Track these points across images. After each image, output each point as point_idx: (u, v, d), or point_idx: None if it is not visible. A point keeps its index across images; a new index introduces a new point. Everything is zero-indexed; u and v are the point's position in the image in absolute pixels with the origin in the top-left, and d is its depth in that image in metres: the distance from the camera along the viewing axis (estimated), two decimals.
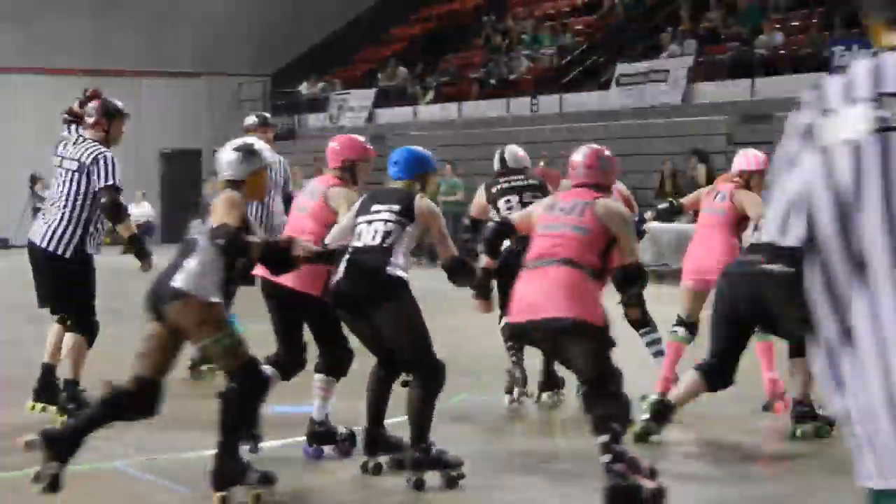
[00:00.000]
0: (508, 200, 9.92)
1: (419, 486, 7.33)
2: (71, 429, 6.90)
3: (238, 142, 7.26)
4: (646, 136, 24.11)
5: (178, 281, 6.78)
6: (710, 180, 21.50)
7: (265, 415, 9.63)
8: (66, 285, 9.09)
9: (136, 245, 9.43)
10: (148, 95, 34.63)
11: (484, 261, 8.29)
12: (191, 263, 6.83)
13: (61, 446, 6.72)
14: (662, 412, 8.45)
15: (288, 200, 10.74)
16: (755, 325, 8.35)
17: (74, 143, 9.18)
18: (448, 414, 9.38)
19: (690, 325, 9.45)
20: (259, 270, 7.79)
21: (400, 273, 7.40)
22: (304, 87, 34.05)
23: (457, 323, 14.98)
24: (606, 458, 6.63)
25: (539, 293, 6.95)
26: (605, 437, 6.66)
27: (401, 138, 29.08)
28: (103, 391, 7.14)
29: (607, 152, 7.87)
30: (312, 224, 8.11)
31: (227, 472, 6.89)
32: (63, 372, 9.27)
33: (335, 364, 8.18)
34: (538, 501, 7.37)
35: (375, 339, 7.54)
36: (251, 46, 36.07)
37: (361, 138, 8.88)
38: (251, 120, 12.47)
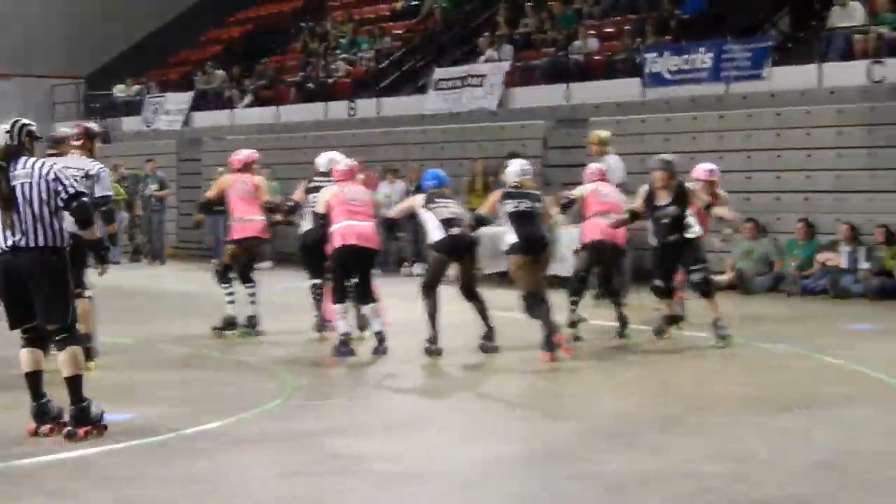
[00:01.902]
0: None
1: None
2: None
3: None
4: (463, 141, 24.26)
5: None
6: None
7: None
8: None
9: (102, 249, 10.15)
10: None
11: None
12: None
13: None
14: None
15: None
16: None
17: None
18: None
19: None
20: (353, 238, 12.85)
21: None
22: (118, 90, 33.51)
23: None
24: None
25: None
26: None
27: (218, 142, 28.91)
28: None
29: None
30: (367, 207, 13.15)
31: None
32: None
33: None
34: None
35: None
36: (64, 47, 35.39)
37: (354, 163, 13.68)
38: (65, 132, 12.44)
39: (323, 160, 14.42)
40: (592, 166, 14.87)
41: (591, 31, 24.45)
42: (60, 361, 8.88)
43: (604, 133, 16.79)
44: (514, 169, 12.90)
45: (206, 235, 25.73)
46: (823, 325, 15.44)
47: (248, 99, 29.97)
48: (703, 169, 14.70)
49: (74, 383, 8.84)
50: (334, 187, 13.35)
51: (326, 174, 14.01)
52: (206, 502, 7.37)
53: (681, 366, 12.45)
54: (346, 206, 13.04)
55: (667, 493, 7.38)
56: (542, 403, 10.29)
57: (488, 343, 12.86)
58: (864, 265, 17.78)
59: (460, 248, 12.73)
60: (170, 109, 31.02)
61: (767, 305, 16.78)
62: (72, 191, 8.97)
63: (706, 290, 13.43)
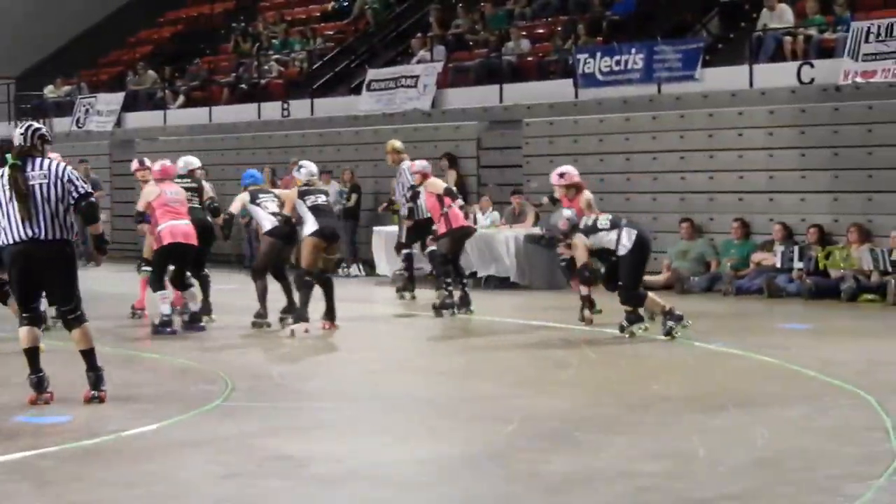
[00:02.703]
0: (189, 199, 15.47)
1: None
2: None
3: None
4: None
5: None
6: (459, 184, 21.86)
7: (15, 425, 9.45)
8: None
9: (103, 243, 10.81)
10: None
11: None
12: None
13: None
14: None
15: None
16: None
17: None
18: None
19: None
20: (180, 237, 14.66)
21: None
22: (49, 91, 33.24)
23: None
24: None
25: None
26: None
27: (150, 143, 28.73)
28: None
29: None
30: (184, 206, 15.02)
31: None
32: None
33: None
34: None
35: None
36: None
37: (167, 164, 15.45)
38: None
39: (181, 163, 16.05)
40: (419, 164, 17.21)
41: (523, 33, 24.53)
42: (75, 337, 10.23)
43: (398, 143, 18.79)
44: (307, 170, 15.22)
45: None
46: (759, 324, 15.58)
47: (180, 100, 29.81)
48: (554, 174, 15.64)
49: (90, 354, 10.25)
50: (155, 188, 15.07)
51: (184, 177, 15.84)
52: None
53: (617, 365, 12.52)
54: (167, 207, 14.82)
55: (607, 493, 7.43)
56: (482, 404, 10.31)
57: (284, 315, 15.19)
58: (798, 265, 17.94)
59: (289, 235, 15.24)
60: (101, 110, 30.79)
61: (703, 305, 16.88)
62: (82, 191, 10.12)
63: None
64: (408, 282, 18.55)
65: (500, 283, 19.91)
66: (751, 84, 19.92)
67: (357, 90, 25.98)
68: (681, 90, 20.60)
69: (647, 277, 18.92)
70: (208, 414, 9.86)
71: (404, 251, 18.46)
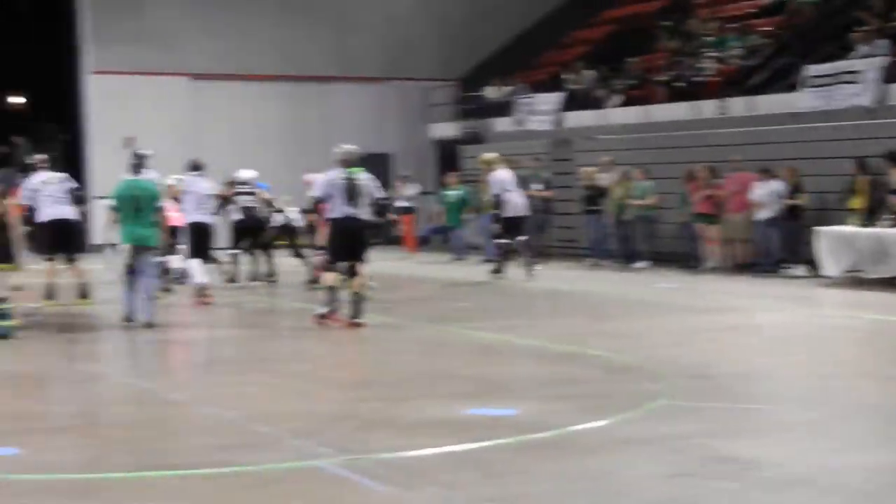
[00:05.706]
0: None
1: None
2: None
3: None
4: (836, 139, 23.57)
5: None
6: None
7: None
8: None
9: None
10: (336, 100, 35.03)
11: None
12: None
13: None
14: None
15: None
16: None
17: None
18: None
19: None
20: None
21: None
22: (489, 91, 34.08)
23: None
24: None
25: None
26: None
27: (588, 141, 29.04)
28: None
29: None
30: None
31: None
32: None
33: None
34: None
35: None
36: (437, 51, 36.23)
37: None
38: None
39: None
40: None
41: None
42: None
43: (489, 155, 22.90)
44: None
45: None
46: None
47: (617, 99, 29.95)
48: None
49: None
50: None
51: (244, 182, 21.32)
52: (591, 500, 7.43)
53: None
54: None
55: None
56: None
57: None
58: None
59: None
60: (540, 110, 31.35)
61: None
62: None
63: None
64: None
65: None
66: None
67: (794, 87, 25.45)
68: None
69: None
70: (653, 412, 9.88)
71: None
